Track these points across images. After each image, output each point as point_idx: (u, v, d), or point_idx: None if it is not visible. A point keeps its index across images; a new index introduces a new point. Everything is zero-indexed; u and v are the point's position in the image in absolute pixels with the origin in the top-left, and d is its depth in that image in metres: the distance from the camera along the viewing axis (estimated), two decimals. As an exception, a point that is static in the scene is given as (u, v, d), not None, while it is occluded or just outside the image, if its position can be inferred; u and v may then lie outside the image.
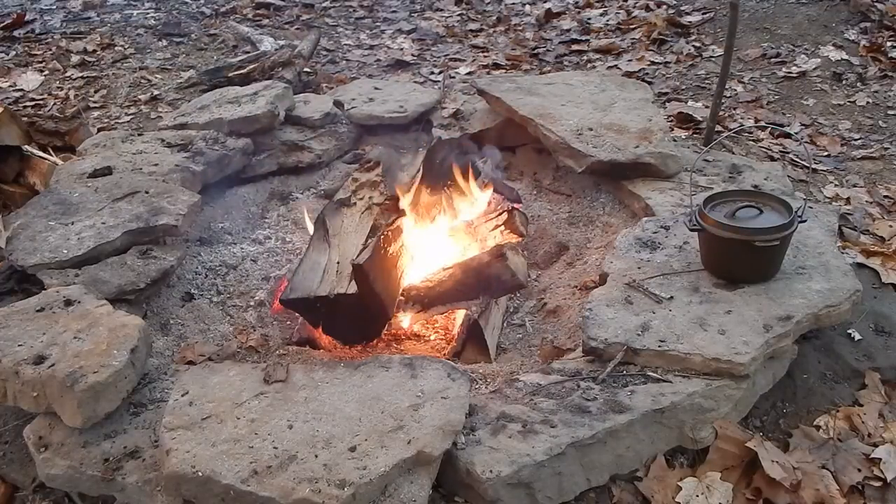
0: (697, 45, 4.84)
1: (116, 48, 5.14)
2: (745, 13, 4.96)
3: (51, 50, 5.09)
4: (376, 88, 3.77)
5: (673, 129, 3.66)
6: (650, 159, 2.81)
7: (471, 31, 5.51)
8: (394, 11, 5.94)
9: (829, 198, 3.14)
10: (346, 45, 5.26)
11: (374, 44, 5.28)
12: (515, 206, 2.85)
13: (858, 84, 4.18)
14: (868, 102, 3.99)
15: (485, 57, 4.95)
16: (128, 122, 4.11)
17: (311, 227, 2.69)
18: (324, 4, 6.08)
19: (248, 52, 4.78)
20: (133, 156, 2.99)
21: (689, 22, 5.14)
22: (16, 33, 5.39)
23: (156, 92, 4.45)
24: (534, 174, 3.31)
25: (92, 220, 2.51)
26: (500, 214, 2.75)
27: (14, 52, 5.10)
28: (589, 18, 5.50)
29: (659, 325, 2.03)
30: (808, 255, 2.28)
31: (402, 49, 5.12)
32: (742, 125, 3.80)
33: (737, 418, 1.96)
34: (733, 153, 3.30)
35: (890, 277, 2.55)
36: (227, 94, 3.49)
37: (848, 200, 3.11)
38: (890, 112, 3.90)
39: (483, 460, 1.70)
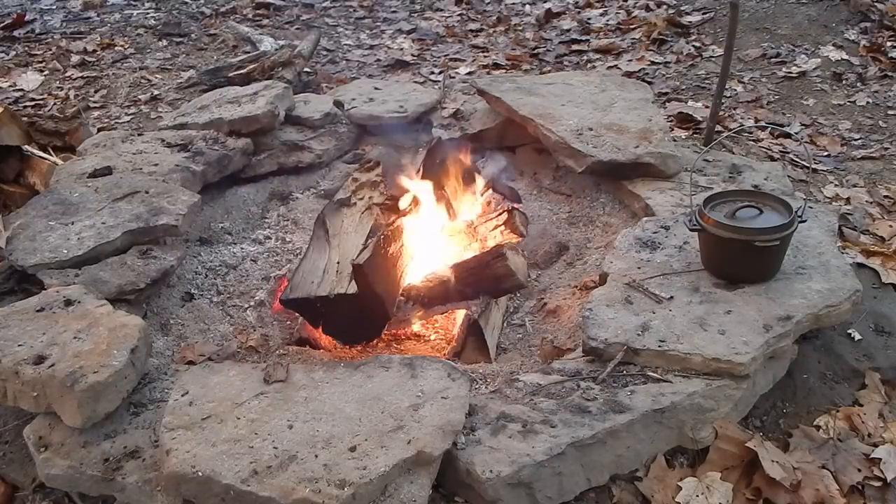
0: (697, 45, 4.84)
1: (116, 48, 5.15)
2: (745, 13, 4.96)
3: (51, 50, 5.09)
4: (376, 88, 3.77)
5: (673, 129, 3.66)
6: (650, 159, 2.81)
7: (471, 31, 5.51)
8: (394, 11, 5.94)
9: (829, 198, 3.14)
10: (346, 45, 5.26)
11: (374, 44, 5.28)
12: (515, 206, 2.85)
13: (858, 84, 4.18)
14: (868, 102, 3.99)
15: (485, 57, 4.95)
16: (128, 122, 4.11)
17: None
18: (324, 4, 6.08)
19: (248, 52, 4.78)
20: (133, 156, 2.99)
21: (689, 22, 5.14)
22: (16, 33, 5.40)
23: (156, 92, 4.45)
24: (534, 174, 3.31)
25: (92, 220, 2.51)
26: (500, 214, 2.75)
27: (14, 52, 5.10)
28: (589, 18, 5.51)
29: (659, 325, 2.03)
30: (808, 255, 2.28)
31: (402, 49, 5.12)
32: (742, 125, 3.80)
33: (737, 418, 1.96)
34: (733, 153, 3.30)
35: (890, 277, 2.55)
36: (227, 94, 3.49)
37: (848, 200, 3.11)
38: (890, 112, 3.90)
39: (483, 460, 1.70)
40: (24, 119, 3.25)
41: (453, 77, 4.54)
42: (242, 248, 2.89)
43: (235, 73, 4.31)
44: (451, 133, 3.44)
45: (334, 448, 1.66)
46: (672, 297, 2.14)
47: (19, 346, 1.88)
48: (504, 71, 4.70)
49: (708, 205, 2.21)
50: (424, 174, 2.74)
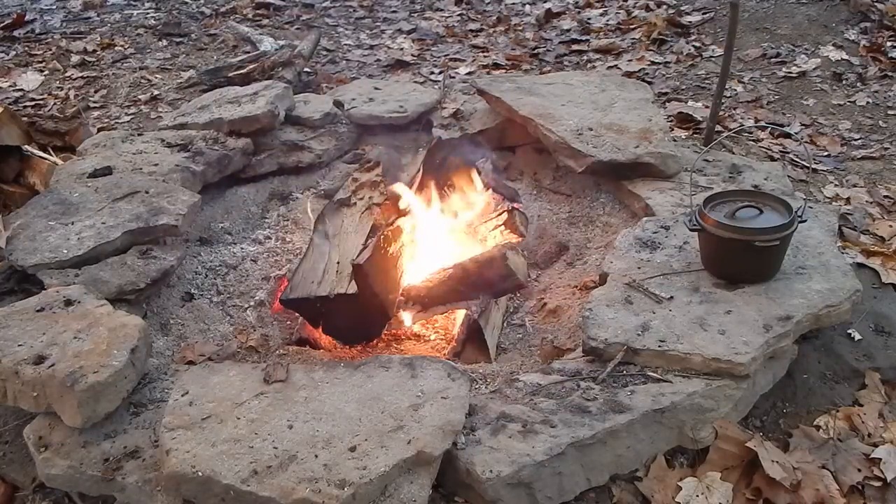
0: (697, 45, 4.83)
1: (116, 48, 5.15)
2: (745, 13, 4.96)
3: (51, 50, 5.09)
4: (376, 88, 3.77)
5: (673, 129, 3.65)
6: (650, 159, 2.81)
7: (471, 31, 5.51)
8: (394, 11, 5.94)
9: (829, 198, 3.14)
10: (346, 45, 5.26)
11: (374, 44, 5.28)
12: (515, 206, 2.85)
13: (858, 84, 4.18)
14: (868, 102, 3.98)
15: (485, 57, 4.95)
16: (128, 122, 4.11)
17: (311, 222, 2.68)
18: (324, 4, 6.08)
19: (248, 52, 4.78)
20: (133, 156, 2.99)
21: (689, 22, 5.13)
22: (16, 33, 5.40)
23: (156, 92, 4.45)
24: (534, 174, 3.31)
25: (92, 220, 2.51)
26: (500, 214, 2.75)
27: (14, 52, 5.10)
28: (589, 18, 5.51)
29: (659, 325, 2.03)
30: (808, 255, 2.28)
31: (402, 49, 5.12)
32: (742, 125, 3.80)
33: (737, 418, 1.96)
34: (733, 153, 3.30)
35: (890, 277, 2.55)
36: (227, 94, 3.49)
37: (848, 200, 3.11)
38: (890, 112, 3.90)
39: (483, 460, 1.70)
40: (24, 119, 3.25)
41: (453, 77, 4.54)
42: (242, 248, 2.89)
43: (235, 73, 4.31)
44: (451, 133, 3.44)
45: (334, 448, 1.66)
46: (672, 297, 2.14)
47: (19, 346, 1.88)
48: (504, 71, 4.70)
49: (708, 205, 2.21)
50: (424, 174, 2.74)
